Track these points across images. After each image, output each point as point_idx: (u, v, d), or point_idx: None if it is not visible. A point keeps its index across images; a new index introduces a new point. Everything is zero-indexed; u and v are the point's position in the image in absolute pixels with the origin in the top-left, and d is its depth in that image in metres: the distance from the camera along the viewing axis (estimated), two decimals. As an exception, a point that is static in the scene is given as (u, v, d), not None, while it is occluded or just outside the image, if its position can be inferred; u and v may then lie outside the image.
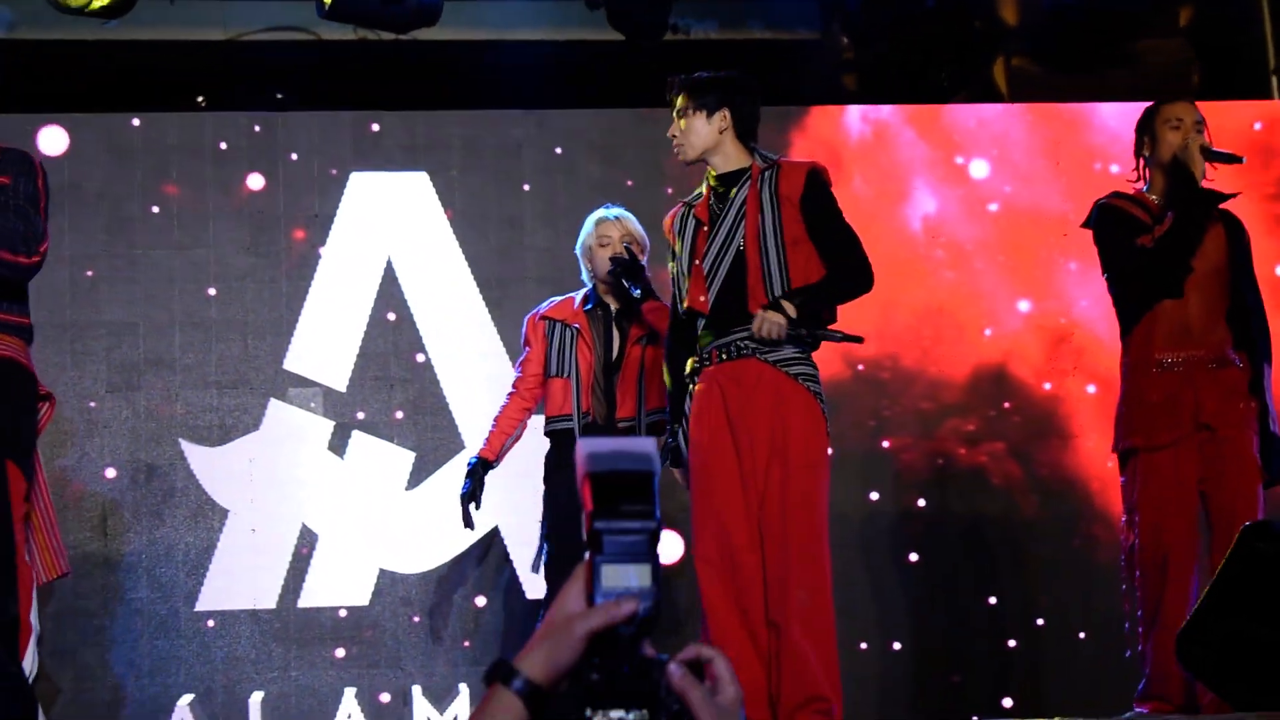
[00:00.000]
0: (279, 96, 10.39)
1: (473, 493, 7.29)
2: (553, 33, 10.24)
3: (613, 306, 7.34)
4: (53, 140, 9.12)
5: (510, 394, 7.47)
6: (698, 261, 6.38)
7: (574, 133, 9.50)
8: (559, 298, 7.56)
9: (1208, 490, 6.68)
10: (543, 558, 7.35)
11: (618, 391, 7.18)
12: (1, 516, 5.63)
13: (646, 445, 2.41)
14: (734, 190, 6.40)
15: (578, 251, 7.47)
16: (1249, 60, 10.16)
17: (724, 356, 6.32)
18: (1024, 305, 9.52)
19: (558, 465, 7.27)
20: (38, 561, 5.88)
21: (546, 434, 7.37)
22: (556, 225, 9.26)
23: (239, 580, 8.96)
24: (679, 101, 6.44)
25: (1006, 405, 9.49)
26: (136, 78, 10.12)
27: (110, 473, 8.95)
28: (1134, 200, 6.89)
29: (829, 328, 6.33)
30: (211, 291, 9.19)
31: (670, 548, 8.36)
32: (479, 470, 7.36)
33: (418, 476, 9.14)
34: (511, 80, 10.05)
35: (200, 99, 10.37)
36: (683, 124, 6.42)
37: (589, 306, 7.35)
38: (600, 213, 7.43)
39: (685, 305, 6.45)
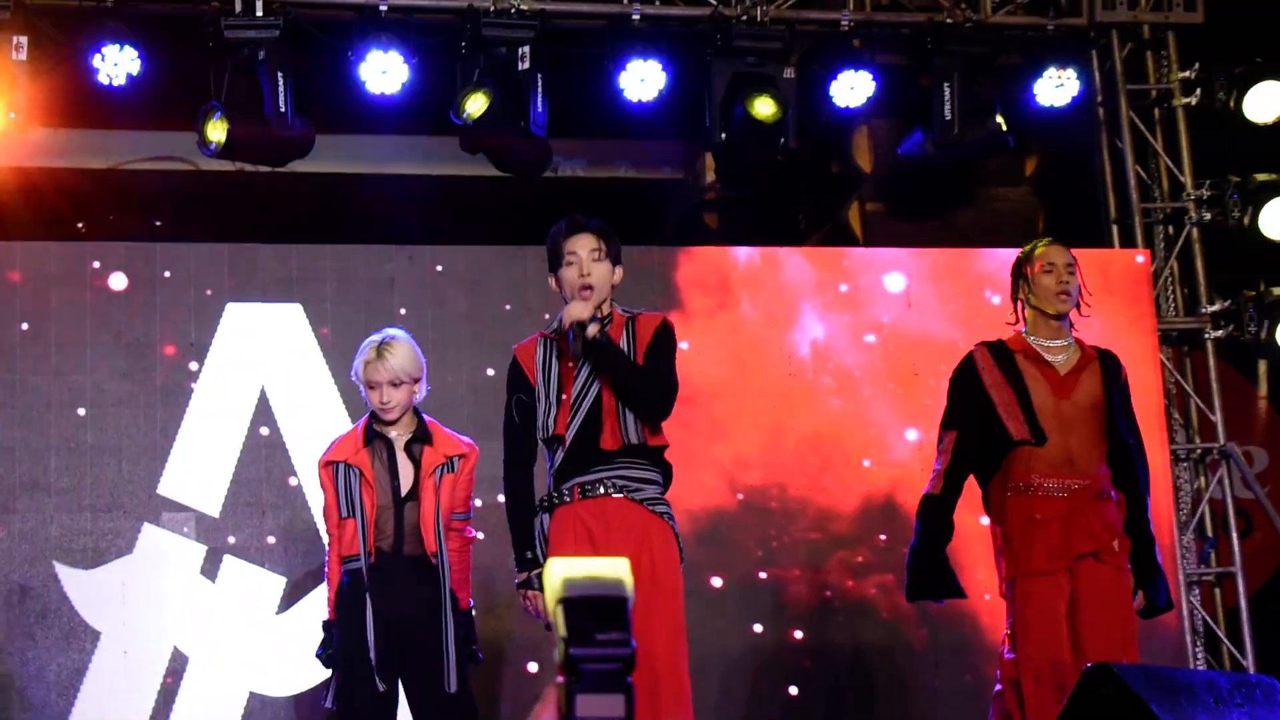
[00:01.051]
0: (157, 224, 10.55)
1: (329, 656, 7.11)
2: (426, 168, 10.47)
3: (395, 436, 7.09)
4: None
5: (329, 545, 7.21)
6: (565, 395, 6.49)
7: (444, 267, 9.69)
8: (344, 433, 7.33)
9: (1079, 618, 6.77)
10: (332, 690, 7.09)
11: (418, 523, 6.95)
12: None
13: (619, 569, 2.51)
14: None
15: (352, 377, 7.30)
16: (1089, 209, 10.55)
17: (585, 493, 6.45)
18: (912, 434, 9.69)
19: (350, 602, 7.01)
20: None
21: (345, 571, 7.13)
22: (427, 356, 9.42)
23: (110, 702, 9.04)
24: (590, 242, 6.52)
25: (887, 537, 9.57)
26: (15, 203, 10.24)
27: (-16, 594, 9.05)
28: (998, 347, 7.00)
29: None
30: (85, 415, 9.31)
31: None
32: (332, 632, 7.12)
33: (289, 600, 9.27)
34: (385, 214, 10.26)
35: (80, 225, 10.50)
36: (594, 267, 6.50)
37: (369, 442, 7.10)
38: (368, 352, 7.13)
39: (553, 432, 6.52)
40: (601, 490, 6.45)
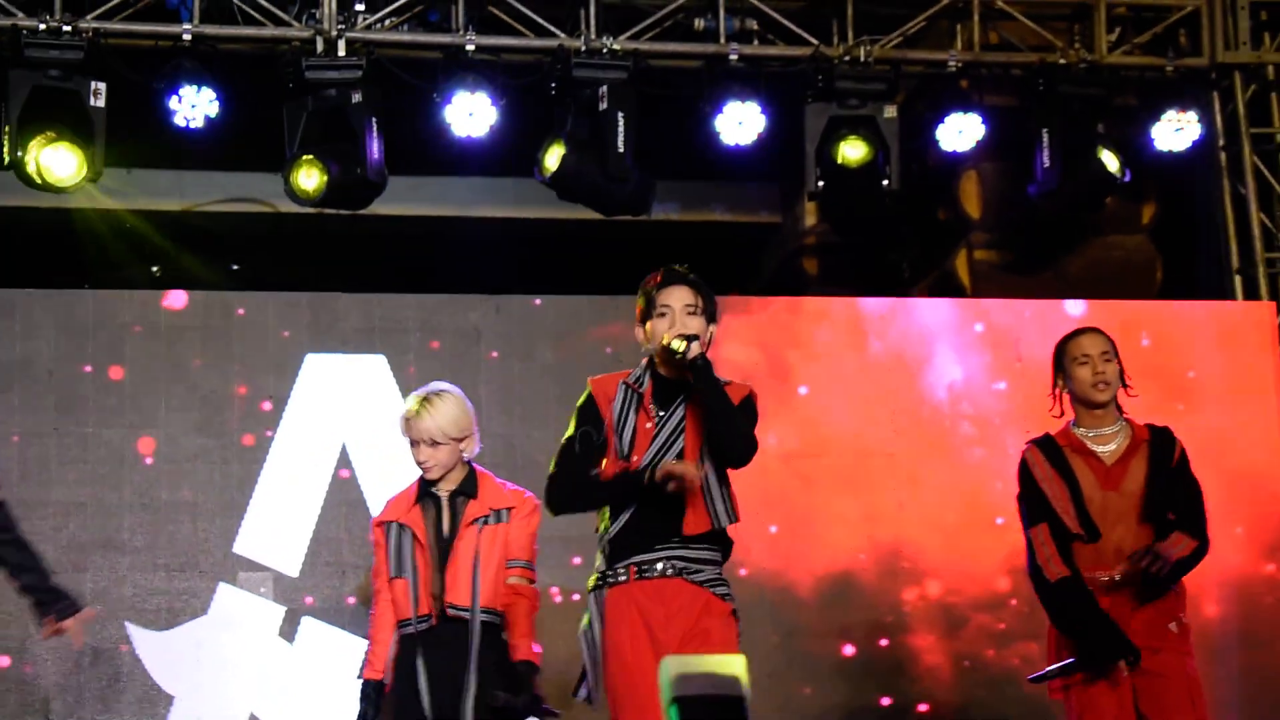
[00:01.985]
0: (234, 268, 10.32)
1: (368, 717, 6.86)
2: (514, 210, 10.21)
3: (443, 492, 6.81)
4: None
5: (376, 604, 7.03)
6: (635, 457, 6.08)
7: (531, 318, 9.43)
8: (400, 491, 7.04)
9: (1145, 712, 6.61)
10: None
11: (446, 576, 6.71)
12: None
13: (736, 667, 2.28)
14: (677, 400, 6.14)
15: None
16: (1210, 258, 10.18)
17: (641, 573, 6.08)
18: None
19: (404, 666, 6.78)
20: None
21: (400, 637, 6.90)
22: (512, 411, 9.19)
23: (184, 771, 8.84)
24: (686, 296, 6.11)
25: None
26: (90, 245, 10.04)
27: (55, 656, 8.79)
28: (1048, 443, 6.87)
29: None
30: (160, 470, 9.06)
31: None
32: (371, 693, 6.88)
33: (369, 665, 9.00)
34: (470, 259, 10.00)
35: (155, 269, 10.29)
36: (688, 321, 6.09)
37: (420, 499, 6.85)
38: (410, 406, 6.79)
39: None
40: (659, 570, 6.07)
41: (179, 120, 8.93)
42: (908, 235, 10.63)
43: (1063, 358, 6.86)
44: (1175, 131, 9.69)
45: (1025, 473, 6.82)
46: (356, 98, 8.96)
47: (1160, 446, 6.79)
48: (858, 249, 10.70)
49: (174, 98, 8.91)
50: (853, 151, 9.38)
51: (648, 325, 6.14)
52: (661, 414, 6.11)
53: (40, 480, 8.98)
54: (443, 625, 6.71)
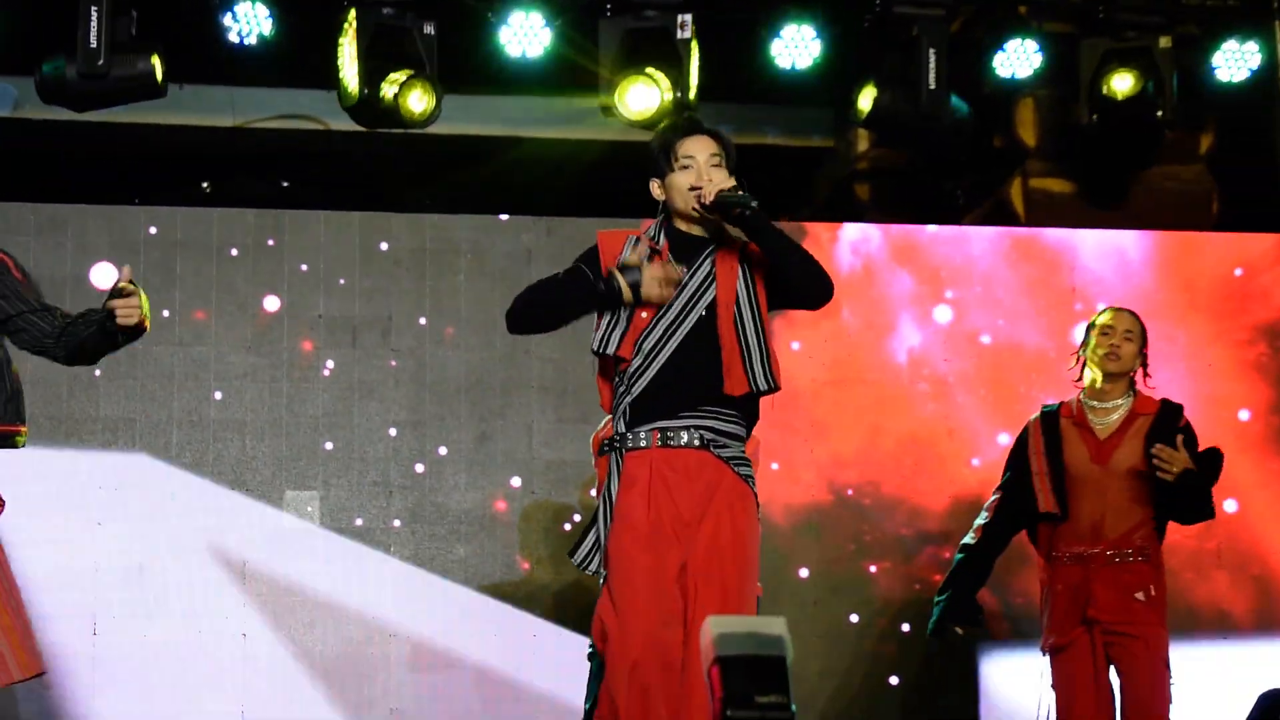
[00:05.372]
0: (285, 185, 10.28)
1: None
2: (565, 131, 10.12)
3: None
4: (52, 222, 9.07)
5: None
6: (645, 315, 5.54)
7: (584, 240, 9.32)
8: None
9: (1123, 690, 6.88)
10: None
11: None
12: None
13: (777, 626, 2.27)
14: (701, 255, 5.61)
15: None
16: (1267, 190, 10.08)
17: (665, 441, 5.54)
18: (1004, 438, 9.46)
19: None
20: (10, 661, 5.77)
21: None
22: (563, 334, 9.11)
23: (230, 686, 8.90)
24: (710, 146, 5.58)
25: None
26: (141, 162, 10.01)
27: (102, 571, 8.82)
28: (1049, 416, 7.07)
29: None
30: (210, 388, 9.08)
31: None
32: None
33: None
34: (521, 181, 9.95)
35: (205, 185, 10.25)
36: (714, 174, 5.53)
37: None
38: None
39: (614, 352, 5.58)
40: (684, 439, 5.53)
41: (233, 38, 8.86)
42: (962, 162, 10.53)
43: (1092, 326, 7.09)
44: (1235, 61, 9.53)
45: (1021, 439, 7.10)
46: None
47: (1165, 421, 6.92)
48: (911, 174, 10.62)
49: (228, 14, 8.84)
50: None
51: (668, 179, 5.62)
52: (683, 268, 5.56)
53: (89, 397, 8.98)
54: None
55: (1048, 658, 6.95)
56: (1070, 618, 6.85)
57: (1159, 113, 9.33)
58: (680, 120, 5.87)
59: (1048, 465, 6.95)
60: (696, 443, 5.51)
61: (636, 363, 5.54)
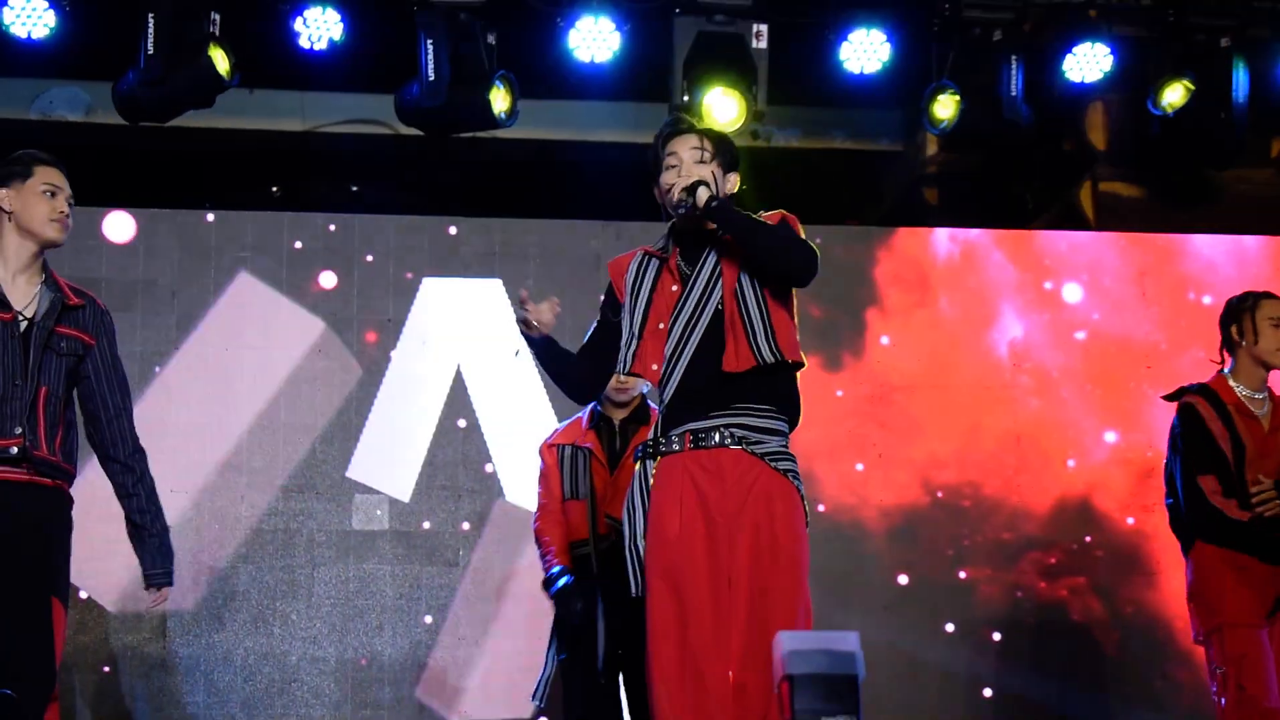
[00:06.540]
0: (354, 189, 10.32)
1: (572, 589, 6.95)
2: (634, 135, 10.12)
3: (614, 419, 7.11)
4: (119, 227, 9.11)
5: (538, 521, 7.16)
6: (662, 324, 5.58)
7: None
8: (566, 422, 7.31)
9: None
10: (545, 678, 7.10)
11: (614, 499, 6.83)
12: (49, 652, 5.62)
13: (850, 643, 2.26)
14: (704, 251, 5.61)
15: None
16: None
17: (697, 442, 5.51)
18: (1110, 436, 9.38)
19: (576, 590, 6.94)
20: None
21: (571, 558, 7.07)
22: (630, 339, 9.13)
23: (297, 689, 8.91)
24: (693, 141, 5.64)
25: (1089, 539, 9.36)
26: (211, 165, 10.05)
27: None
28: (1213, 398, 6.86)
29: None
30: (279, 391, 9.12)
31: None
32: (565, 578, 7.00)
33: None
34: (591, 186, 9.94)
35: (275, 189, 10.30)
36: (697, 169, 5.60)
37: (594, 424, 7.10)
38: None
39: (629, 369, 5.63)
40: (716, 439, 5.51)
41: (303, 42, 8.88)
42: (1032, 166, 10.48)
43: (1252, 315, 6.86)
44: (1306, 64, 9.49)
45: (1196, 419, 6.82)
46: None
47: None
48: (980, 179, 10.56)
49: (299, 19, 8.87)
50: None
51: (659, 182, 5.66)
52: (688, 272, 5.59)
53: (160, 401, 9.02)
54: (613, 547, 6.73)
55: (1219, 634, 6.68)
56: (1258, 600, 6.66)
57: (1221, 114, 9.26)
58: (667, 122, 5.80)
59: (1233, 450, 6.75)
60: (729, 441, 5.47)
61: (665, 370, 5.56)
